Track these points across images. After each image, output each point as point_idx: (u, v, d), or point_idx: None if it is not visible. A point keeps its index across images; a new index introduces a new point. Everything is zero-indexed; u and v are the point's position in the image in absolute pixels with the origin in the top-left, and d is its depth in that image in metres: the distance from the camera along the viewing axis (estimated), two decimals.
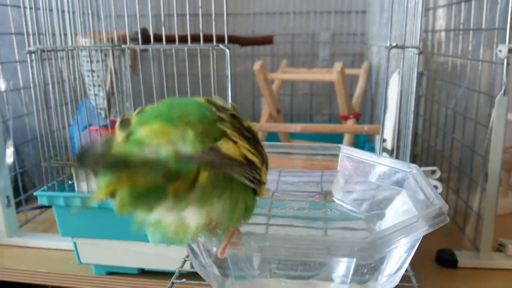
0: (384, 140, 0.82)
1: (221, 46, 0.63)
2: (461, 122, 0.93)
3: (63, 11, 0.74)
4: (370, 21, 1.11)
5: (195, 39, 0.69)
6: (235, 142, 0.36)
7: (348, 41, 1.17)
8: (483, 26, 0.83)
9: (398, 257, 0.38)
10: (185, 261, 0.46)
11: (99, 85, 0.94)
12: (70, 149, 0.78)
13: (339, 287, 0.40)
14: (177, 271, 0.45)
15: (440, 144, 1.04)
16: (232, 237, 0.36)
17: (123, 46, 0.67)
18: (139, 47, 0.67)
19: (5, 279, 0.84)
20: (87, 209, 0.74)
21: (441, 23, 1.03)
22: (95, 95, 0.96)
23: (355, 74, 1.06)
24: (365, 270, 0.35)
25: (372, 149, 0.96)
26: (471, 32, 0.88)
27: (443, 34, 1.03)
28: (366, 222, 0.45)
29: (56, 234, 0.90)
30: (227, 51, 0.63)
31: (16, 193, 0.97)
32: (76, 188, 0.75)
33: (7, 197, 0.91)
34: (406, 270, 0.46)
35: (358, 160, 0.48)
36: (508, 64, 0.73)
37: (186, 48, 0.66)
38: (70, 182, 0.75)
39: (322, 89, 1.18)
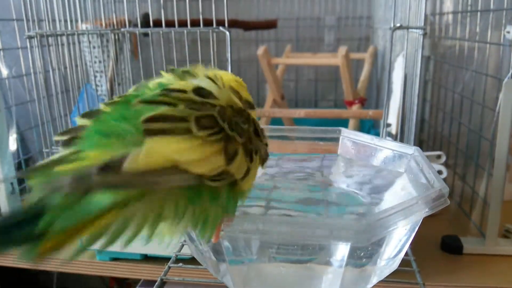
0: (389, 125, 0.81)
1: (221, 28, 0.62)
2: (468, 106, 0.91)
3: None
4: (376, 4, 1.09)
5: (196, 23, 0.68)
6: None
7: (354, 25, 1.15)
8: (491, 7, 0.81)
9: (398, 241, 0.37)
10: (182, 245, 0.46)
11: (101, 71, 0.94)
12: None
13: (337, 271, 0.39)
14: (174, 255, 0.44)
15: (447, 129, 1.02)
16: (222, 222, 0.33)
17: (122, 29, 0.66)
18: (138, 30, 0.66)
19: (10, 265, 0.85)
20: None
21: (448, 5, 1.01)
22: (97, 82, 0.96)
23: (361, 59, 1.05)
24: (362, 254, 0.35)
25: (378, 135, 0.95)
26: (478, 13, 0.86)
27: (450, 16, 1.01)
28: (366, 205, 0.44)
29: None
30: (227, 33, 0.62)
31: (21, 179, 0.98)
32: None
33: (11, 184, 0.91)
34: (407, 255, 0.46)
35: (358, 143, 0.47)
36: None
37: (185, 31, 0.65)
38: None
39: (328, 74, 1.17)
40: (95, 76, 0.93)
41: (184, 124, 0.30)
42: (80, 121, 0.32)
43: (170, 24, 0.70)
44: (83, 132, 0.30)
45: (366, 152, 0.47)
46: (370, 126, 1.04)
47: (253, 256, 0.40)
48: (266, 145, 0.37)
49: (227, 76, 0.38)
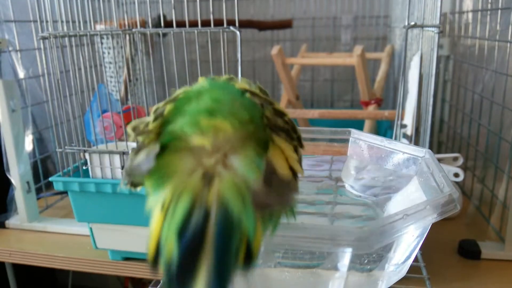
0: (405, 126, 0.79)
1: (231, 28, 0.62)
2: (488, 107, 0.89)
3: None
4: (393, 2, 1.06)
5: (208, 23, 0.67)
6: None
7: (371, 24, 1.13)
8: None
9: (406, 246, 0.36)
10: None
11: (116, 72, 0.94)
12: (85, 135, 0.79)
13: (344, 277, 0.38)
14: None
15: (466, 130, 1.00)
16: None
17: (133, 30, 0.66)
18: (149, 31, 0.66)
19: (25, 262, 0.86)
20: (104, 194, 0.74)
21: (468, 4, 0.98)
22: (112, 82, 0.97)
23: (378, 58, 1.03)
24: (369, 259, 0.33)
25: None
26: (499, 12, 0.83)
27: (470, 15, 0.98)
28: (375, 209, 0.43)
29: (74, 219, 0.91)
30: (238, 33, 0.61)
31: (37, 179, 0.99)
32: (90, 174, 0.75)
33: (27, 182, 0.92)
34: (417, 260, 0.44)
35: (369, 145, 0.46)
36: None
37: (196, 31, 0.64)
38: (84, 167, 0.75)
39: (344, 74, 1.15)
40: (111, 77, 0.93)
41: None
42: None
43: (182, 25, 0.70)
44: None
45: (376, 154, 0.45)
46: (387, 127, 1.02)
47: (259, 261, 0.39)
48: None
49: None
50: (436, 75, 0.63)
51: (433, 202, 0.31)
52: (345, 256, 0.37)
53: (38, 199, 0.96)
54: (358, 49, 0.90)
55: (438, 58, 0.61)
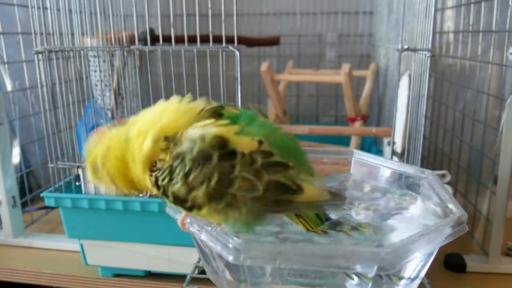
0: (393, 143, 0.82)
1: (230, 47, 0.63)
2: (469, 124, 0.92)
3: (70, 11, 0.73)
4: (377, 22, 1.10)
5: (202, 39, 0.68)
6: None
7: (355, 42, 1.16)
8: (493, 28, 0.83)
9: (415, 266, 0.37)
10: (196, 266, 0.45)
11: (105, 85, 0.94)
12: (77, 150, 0.78)
13: None
14: (188, 276, 0.44)
15: (447, 146, 1.03)
16: None
17: (131, 47, 0.66)
18: (148, 48, 0.66)
19: (10, 279, 0.84)
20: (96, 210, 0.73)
21: (449, 25, 1.02)
22: (102, 95, 0.96)
23: (362, 76, 1.06)
24: (383, 280, 0.35)
25: (379, 152, 0.95)
26: (480, 34, 0.87)
27: (451, 35, 1.02)
28: (379, 231, 0.44)
29: (62, 235, 0.89)
30: (237, 52, 0.62)
31: (22, 193, 0.97)
32: (83, 190, 0.75)
33: (13, 197, 0.90)
34: None
35: (371, 165, 0.48)
36: None
37: (195, 50, 0.65)
38: (77, 183, 0.75)
39: (328, 90, 1.18)
40: (102, 90, 0.93)
41: None
42: None
43: (177, 39, 0.71)
44: None
45: (379, 174, 0.47)
46: (371, 143, 1.05)
47: (267, 278, 0.40)
48: None
49: None
50: (428, 96, 0.65)
51: (445, 224, 0.33)
52: (354, 275, 0.38)
53: (22, 213, 0.94)
54: (346, 67, 0.93)
55: (430, 80, 0.64)
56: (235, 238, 0.31)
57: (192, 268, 0.47)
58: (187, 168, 0.36)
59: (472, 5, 0.90)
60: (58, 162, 0.74)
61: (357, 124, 0.99)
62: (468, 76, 0.94)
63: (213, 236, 0.33)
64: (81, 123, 0.78)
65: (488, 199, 0.83)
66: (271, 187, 0.36)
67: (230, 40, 0.67)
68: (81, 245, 0.78)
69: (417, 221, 0.40)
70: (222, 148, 0.36)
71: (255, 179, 0.35)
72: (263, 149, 0.37)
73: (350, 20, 1.15)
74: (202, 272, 0.50)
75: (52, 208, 1.01)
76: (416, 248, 0.31)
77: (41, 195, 0.74)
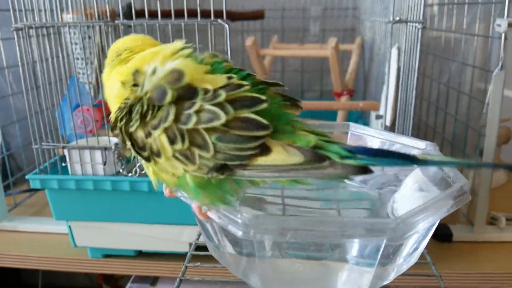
0: (381, 117, 0.82)
1: (219, 21, 0.61)
2: (454, 97, 0.93)
3: None
4: None
5: (188, 14, 0.66)
6: None
7: (339, 16, 1.15)
8: (479, 0, 0.83)
9: (416, 238, 0.37)
10: (195, 244, 0.45)
11: (86, 63, 0.91)
12: (62, 130, 0.76)
13: (353, 268, 0.40)
14: (189, 254, 0.43)
15: (432, 119, 1.04)
16: None
17: (116, 21, 0.64)
18: (133, 22, 0.64)
19: None
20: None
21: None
22: (82, 73, 0.93)
23: (347, 50, 1.05)
24: (391, 250, 0.35)
25: (366, 125, 0.96)
26: (466, 6, 0.87)
27: (435, 8, 1.02)
28: (379, 201, 0.44)
29: (48, 217, 0.88)
30: (226, 26, 0.61)
31: (4, 176, 0.94)
32: (69, 171, 0.73)
33: None
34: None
35: (367, 138, 0.48)
36: (506, 38, 0.72)
37: (183, 24, 0.63)
38: (63, 164, 0.73)
39: (313, 65, 1.17)
40: (86, 68, 0.90)
41: None
42: None
43: (153, 14, 0.69)
44: None
45: (376, 146, 0.47)
46: (357, 117, 1.05)
47: (267, 252, 0.40)
48: None
49: None
50: (418, 68, 0.65)
51: (449, 194, 0.33)
52: (353, 248, 0.38)
53: (5, 197, 0.92)
54: (332, 41, 0.92)
55: (424, 51, 0.64)
56: (243, 214, 0.30)
57: (193, 245, 0.46)
58: (144, 107, 0.33)
59: None
60: (43, 143, 0.72)
61: (344, 99, 0.99)
62: (453, 49, 0.94)
63: (221, 213, 0.32)
64: (65, 102, 0.76)
65: (473, 171, 0.84)
66: (238, 123, 0.32)
67: (217, 15, 0.65)
68: (69, 226, 0.77)
69: (415, 191, 0.41)
70: (178, 82, 0.33)
71: (218, 109, 0.32)
72: (233, 82, 0.33)
73: None
74: (200, 249, 0.50)
75: (36, 190, 0.99)
76: (422, 218, 0.31)
77: (26, 177, 0.72)
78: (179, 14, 0.66)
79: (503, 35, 0.72)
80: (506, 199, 0.95)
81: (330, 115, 1.01)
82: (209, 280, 0.43)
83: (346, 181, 0.40)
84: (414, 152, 0.43)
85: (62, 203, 0.74)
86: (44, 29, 0.69)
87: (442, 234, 0.82)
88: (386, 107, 0.69)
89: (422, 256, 0.42)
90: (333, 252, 0.40)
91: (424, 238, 0.38)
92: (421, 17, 0.63)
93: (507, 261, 0.76)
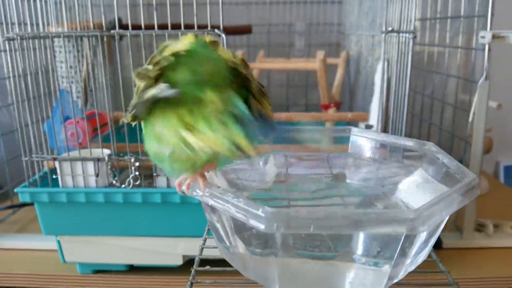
0: (371, 127, 0.84)
1: (216, 31, 0.62)
2: (438, 108, 0.96)
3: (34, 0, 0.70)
4: (347, 11, 1.12)
5: (178, 27, 0.67)
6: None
7: (324, 31, 1.18)
8: (462, 14, 0.86)
9: (423, 236, 0.38)
10: (202, 248, 0.44)
11: (72, 76, 0.90)
12: (50, 142, 0.74)
13: (360, 268, 0.40)
14: (197, 258, 0.42)
15: (416, 131, 1.07)
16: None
17: (112, 31, 0.64)
18: (129, 32, 0.64)
19: None
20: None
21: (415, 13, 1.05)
22: (70, 86, 0.92)
23: (333, 64, 1.07)
24: (400, 248, 0.35)
25: None
26: (449, 20, 0.91)
27: (418, 23, 1.05)
28: (385, 199, 0.45)
29: (33, 234, 0.86)
30: (223, 36, 0.61)
31: None
32: (60, 183, 0.71)
33: None
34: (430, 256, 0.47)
35: (369, 140, 0.48)
36: (489, 49, 0.75)
37: (180, 33, 0.63)
38: (54, 176, 0.71)
39: (298, 80, 1.19)
40: (71, 82, 0.89)
41: None
42: None
43: (138, 28, 0.69)
44: None
45: (377, 149, 0.48)
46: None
47: (278, 250, 0.40)
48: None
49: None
50: (410, 77, 0.67)
51: (460, 188, 0.34)
52: (361, 247, 0.38)
53: None
54: (320, 53, 0.94)
55: (412, 62, 0.66)
56: (265, 207, 0.30)
57: (199, 250, 0.45)
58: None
59: None
60: (33, 155, 0.70)
61: (331, 111, 1.01)
62: (437, 63, 0.97)
63: (241, 208, 0.32)
64: (54, 115, 0.75)
65: None
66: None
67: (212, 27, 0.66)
68: (58, 241, 0.75)
69: (420, 189, 0.41)
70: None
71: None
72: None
73: (319, 9, 1.16)
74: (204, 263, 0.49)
75: (19, 207, 0.96)
76: (437, 211, 0.31)
77: (15, 190, 0.70)
78: (165, 28, 0.67)
79: (486, 46, 0.75)
80: (490, 206, 0.97)
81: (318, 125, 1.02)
82: (221, 283, 0.43)
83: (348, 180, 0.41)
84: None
85: (52, 217, 0.72)
86: (32, 41, 0.68)
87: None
88: (378, 116, 0.71)
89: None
90: (340, 252, 0.40)
91: (431, 236, 0.39)
92: (412, 28, 0.65)
93: (496, 267, 0.78)
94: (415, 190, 0.43)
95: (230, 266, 0.42)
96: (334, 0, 1.16)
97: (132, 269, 0.78)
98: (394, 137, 0.47)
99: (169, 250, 0.74)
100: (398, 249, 0.37)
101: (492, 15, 0.74)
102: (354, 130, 0.49)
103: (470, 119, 0.81)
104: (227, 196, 0.34)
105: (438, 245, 0.83)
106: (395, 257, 0.38)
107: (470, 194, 0.34)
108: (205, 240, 0.44)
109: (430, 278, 0.43)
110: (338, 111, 1.03)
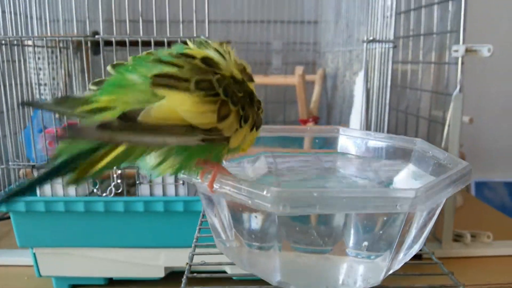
0: None
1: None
2: (413, 124, 0.99)
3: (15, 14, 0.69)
4: (323, 30, 1.15)
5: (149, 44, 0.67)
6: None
7: (301, 50, 1.21)
8: (435, 30, 0.90)
9: (416, 225, 0.38)
10: (192, 255, 0.42)
11: (45, 84, 0.89)
12: (26, 152, 0.72)
13: (355, 261, 0.40)
14: (187, 265, 0.41)
15: None
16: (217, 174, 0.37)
17: (96, 36, 0.63)
18: (114, 37, 0.64)
19: None
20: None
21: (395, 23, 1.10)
22: (44, 95, 0.90)
23: (310, 80, 1.09)
24: (376, 246, 0.36)
25: None
26: (421, 38, 0.94)
27: None
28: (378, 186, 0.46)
29: (5, 249, 0.82)
30: None
31: None
32: (38, 192, 0.69)
33: None
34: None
35: (358, 139, 0.49)
36: (462, 63, 0.79)
37: (165, 40, 0.64)
38: None
39: (276, 96, 1.20)
40: (43, 89, 0.87)
41: (186, 84, 0.36)
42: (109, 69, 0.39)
43: (119, 44, 0.69)
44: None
45: (366, 147, 0.49)
46: (321, 144, 1.08)
47: (271, 244, 0.40)
48: (261, 112, 0.42)
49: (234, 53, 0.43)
50: (391, 86, 0.69)
51: (455, 173, 0.35)
52: (354, 240, 0.39)
53: None
54: (299, 69, 0.96)
55: (392, 71, 0.68)
56: (270, 187, 0.30)
57: (190, 257, 0.44)
58: None
59: (411, 12, 0.97)
60: (10, 163, 0.68)
61: (310, 125, 1.02)
62: (410, 80, 1.01)
63: (246, 191, 0.32)
64: (33, 124, 0.73)
65: None
66: None
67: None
68: (34, 254, 0.72)
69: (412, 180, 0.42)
70: None
71: None
72: None
73: (295, 29, 1.20)
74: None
75: None
76: (436, 192, 0.32)
77: None
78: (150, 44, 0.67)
79: (460, 59, 0.78)
80: (465, 218, 1.00)
81: (296, 141, 1.03)
82: None
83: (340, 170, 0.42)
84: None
85: (29, 228, 0.70)
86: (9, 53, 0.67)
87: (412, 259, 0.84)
88: (360, 125, 0.73)
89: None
90: (335, 246, 0.40)
91: (425, 225, 0.40)
92: (392, 37, 0.68)
93: (475, 275, 0.79)
94: (410, 182, 0.44)
95: (221, 272, 0.41)
96: (310, 20, 1.19)
97: (111, 283, 0.75)
98: (383, 135, 0.48)
99: (150, 262, 0.72)
100: (393, 239, 0.37)
101: (464, 29, 0.77)
102: (342, 130, 0.50)
103: (445, 132, 0.84)
104: (228, 179, 0.34)
105: (417, 256, 0.84)
106: (389, 248, 0.38)
107: (464, 180, 0.35)
108: (192, 258, 0.42)
109: (431, 281, 0.43)
110: (316, 125, 1.05)
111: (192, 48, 0.40)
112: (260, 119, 0.43)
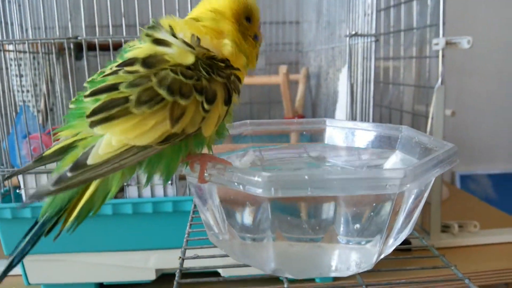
0: None
1: None
2: (397, 118, 1.00)
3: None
4: (304, 30, 1.16)
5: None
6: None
7: (284, 50, 1.22)
8: (415, 25, 0.92)
9: (404, 210, 0.39)
10: (182, 259, 0.42)
11: (27, 91, 0.88)
12: (10, 158, 0.71)
13: (346, 248, 0.41)
14: (178, 271, 0.40)
15: None
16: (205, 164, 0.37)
17: (79, 38, 0.63)
18: (97, 38, 0.63)
19: None
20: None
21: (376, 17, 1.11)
22: (27, 101, 0.89)
23: (294, 80, 1.10)
24: (366, 232, 0.36)
25: None
26: (402, 33, 0.96)
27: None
28: None
29: None
30: None
31: None
32: (24, 198, 0.68)
33: None
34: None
35: (345, 129, 0.50)
36: (443, 55, 0.80)
37: None
38: (18, 191, 0.68)
39: (261, 97, 1.21)
40: (30, 98, 0.86)
41: (126, 105, 0.34)
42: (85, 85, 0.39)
43: (103, 48, 0.69)
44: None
45: (353, 137, 0.49)
46: (308, 140, 1.09)
47: (263, 234, 0.40)
48: (233, 73, 0.39)
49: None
50: (374, 80, 0.70)
51: (442, 154, 0.35)
52: (345, 228, 0.39)
53: None
54: (283, 68, 0.96)
55: (375, 67, 0.69)
56: (261, 172, 0.31)
57: (179, 261, 0.43)
58: None
59: (391, 9, 0.99)
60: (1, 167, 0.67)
61: None
62: (393, 76, 1.02)
63: (237, 177, 0.32)
64: (13, 131, 0.72)
65: None
66: None
67: None
68: (22, 262, 0.70)
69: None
70: None
71: None
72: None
73: (278, 30, 1.20)
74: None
75: None
76: (428, 170, 0.33)
77: None
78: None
79: (440, 52, 0.80)
80: (452, 210, 1.01)
81: (283, 138, 1.04)
82: None
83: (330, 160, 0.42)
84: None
85: (16, 235, 0.68)
86: None
87: (401, 245, 0.85)
88: (346, 117, 0.73)
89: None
90: (326, 234, 0.40)
91: (414, 210, 0.40)
92: (374, 31, 0.69)
93: (463, 263, 0.80)
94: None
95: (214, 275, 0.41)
96: (291, 20, 1.20)
97: None
98: (369, 124, 0.49)
99: (141, 265, 0.72)
100: (383, 224, 0.38)
101: (444, 23, 0.79)
102: (329, 121, 0.51)
103: (429, 124, 0.85)
104: (219, 168, 0.34)
105: (407, 248, 0.85)
106: (379, 233, 0.39)
107: (451, 160, 0.36)
108: (183, 260, 0.42)
109: (432, 275, 0.44)
110: None
111: (136, 47, 0.38)
112: (235, 82, 0.39)
